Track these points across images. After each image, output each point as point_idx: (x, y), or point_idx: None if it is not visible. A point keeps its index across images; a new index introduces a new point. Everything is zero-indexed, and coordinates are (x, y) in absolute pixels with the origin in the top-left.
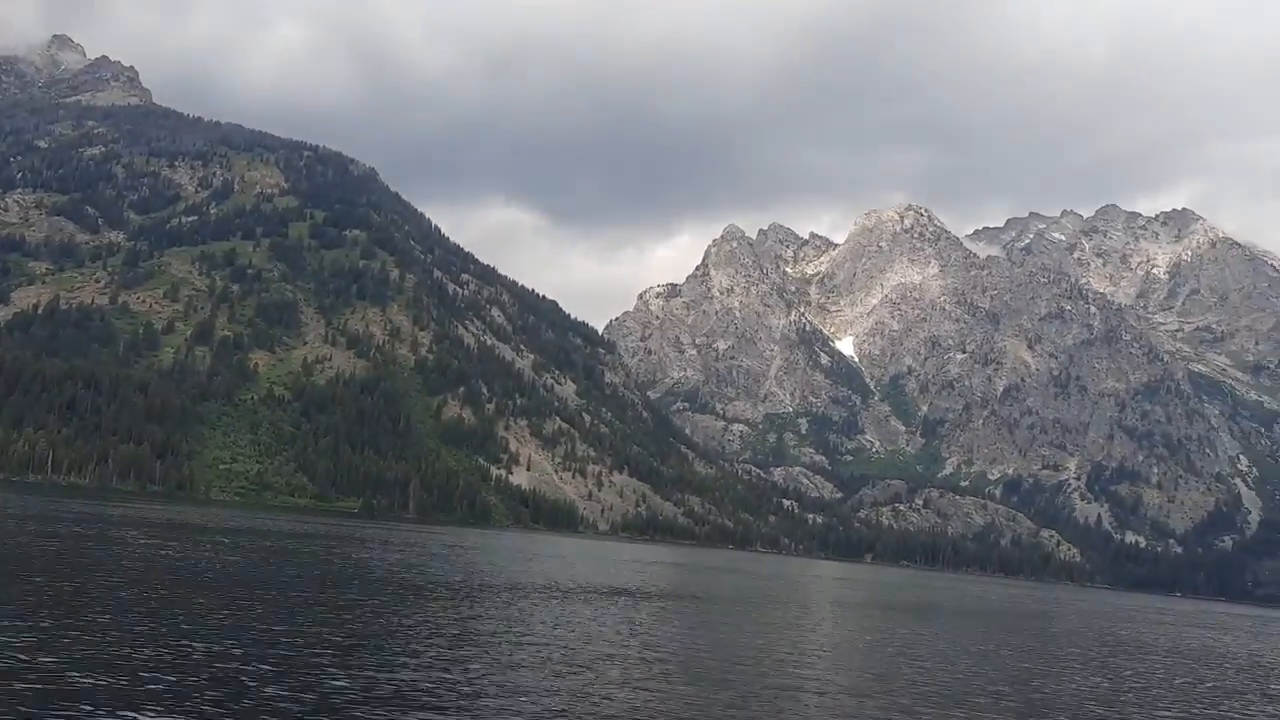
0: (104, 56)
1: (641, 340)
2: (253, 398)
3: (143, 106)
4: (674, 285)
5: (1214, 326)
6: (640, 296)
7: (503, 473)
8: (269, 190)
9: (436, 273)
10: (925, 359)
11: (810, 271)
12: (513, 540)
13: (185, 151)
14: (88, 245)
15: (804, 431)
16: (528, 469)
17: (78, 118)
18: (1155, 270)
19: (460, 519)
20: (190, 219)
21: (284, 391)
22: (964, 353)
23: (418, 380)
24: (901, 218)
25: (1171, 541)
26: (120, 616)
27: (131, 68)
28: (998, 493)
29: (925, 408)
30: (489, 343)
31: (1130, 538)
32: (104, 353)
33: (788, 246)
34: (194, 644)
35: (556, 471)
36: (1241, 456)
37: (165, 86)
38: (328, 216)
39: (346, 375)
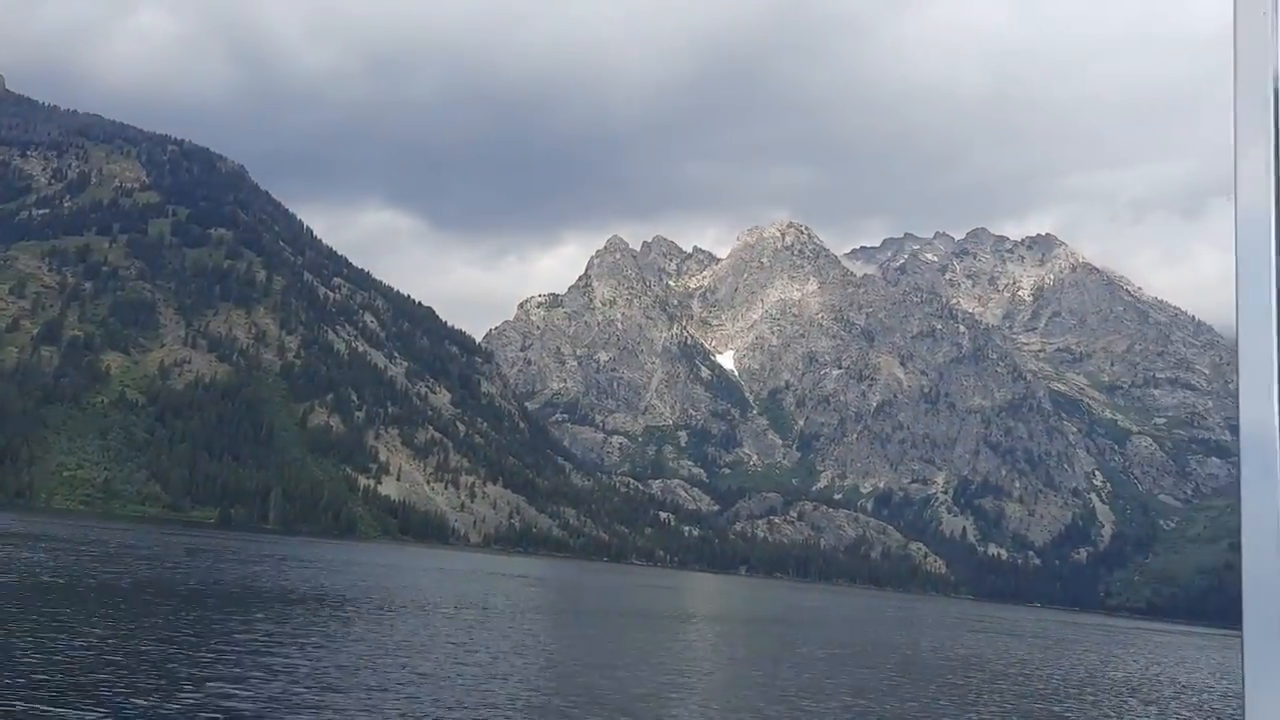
0: None
1: (522, 350)
2: (103, 401)
3: None
4: (555, 295)
5: (1073, 347)
6: (521, 306)
7: (371, 483)
8: (129, 185)
9: (307, 276)
10: (803, 374)
11: (693, 285)
12: (330, 553)
13: (39, 141)
14: None
15: (683, 444)
16: (398, 479)
17: None
18: (1020, 292)
19: (324, 530)
20: (41, 212)
21: (138, 395)
22: (840, 368)
23: (284, 386)
24: (782, 235)
25: (1031, 553)
26: None
27: None
28: (870, 505)
29: (802, 422)
30: (360, 349)
31: (993, 550)
32: None
33: (671, 260)
34: None
35: (428, 482)
36: (1096, 472)
37: (20, 73)
38: (192, 214)
39: (207, 380)
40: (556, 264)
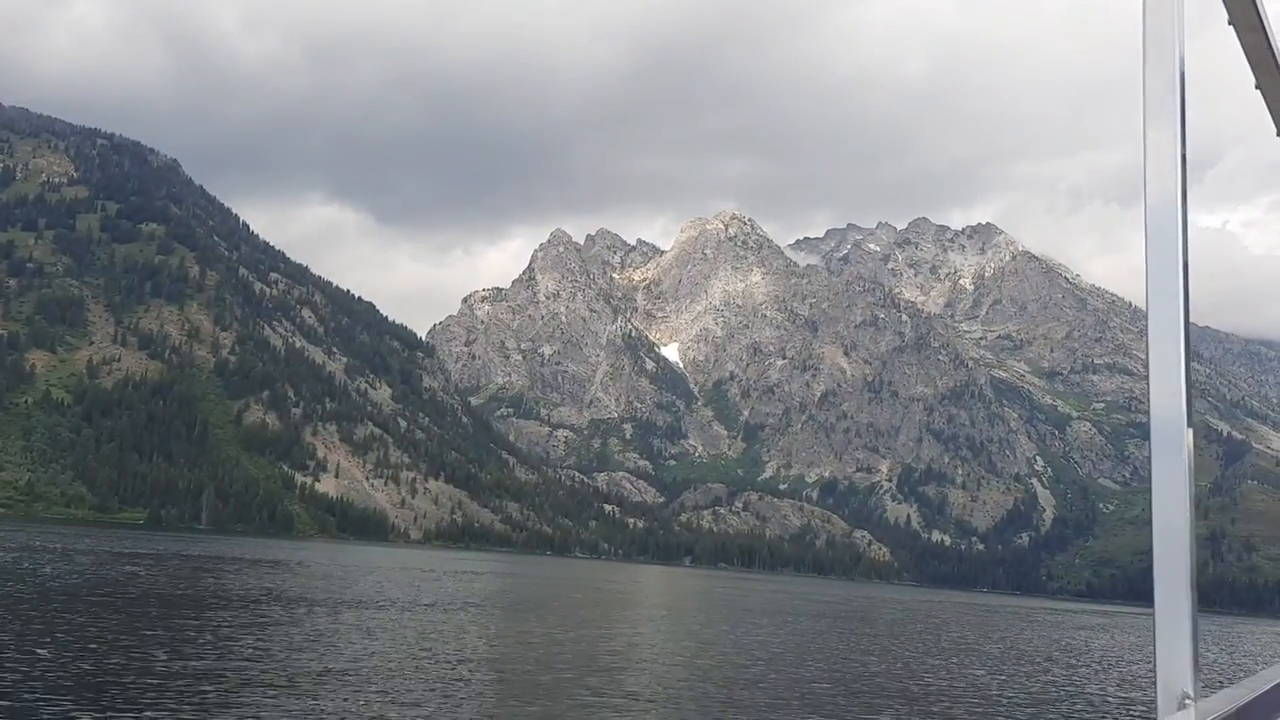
0: None
1: (466, 345)
2: (27, 401)
3: None
4: (499, 289)
5: (1014, 335)
6: (465, 300)
7: (309, 480)
8: (56, 179)
9: (242, 271)
10: (747, 365)
11: (637, 278)
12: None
13: None
14: None
15: (629, 437)
16: (336, 476)
17: None
18: (962, 281)
19: (259, 529)
20: None
21: (64, 394)
22: (784, 359)
23: (217, 383)
24: (726, 227)
25: (974, 539)
26: None
27: None
28: (815, 495)
29: (747, 412)
30: (298, 345)
31: (937, 536)
32: None
33: (615, 252)
34: None
35: (368, 478)
36: (1037, 458)
37: None
38: (121, 209)
39: (137, 377)
40: (503, 258)
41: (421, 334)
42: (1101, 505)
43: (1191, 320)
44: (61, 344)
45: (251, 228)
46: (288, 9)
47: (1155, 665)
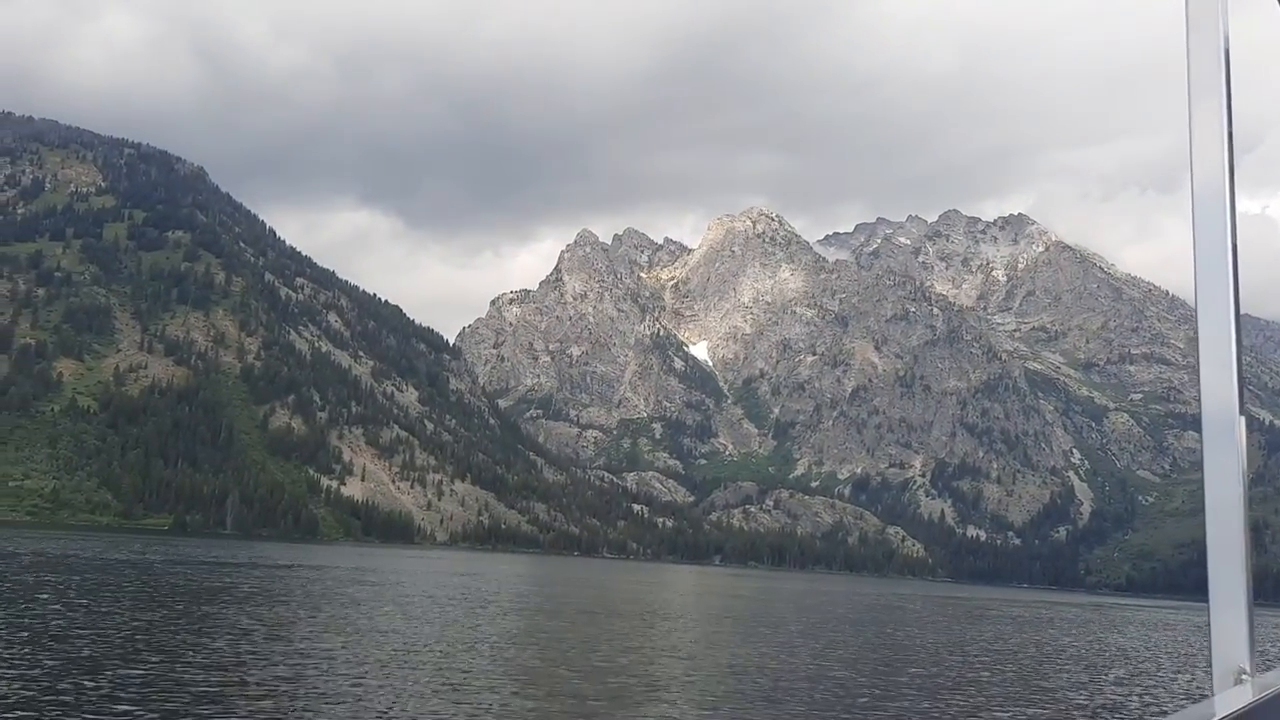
0: None
1: (495, 347)
2: (54, 409)
3: None
4: (527, 291)
5: (1048, 326)
6: (493, 303)
7: (334, 484)
8: (85, 189)
9: (268, 276)
10: (777, 362)
11: (665, 277)
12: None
13: None
14: None
15: (658, 436)
16: (362, 479)
17: None
18: (994, 273)
19: (284, 534)
20: None
21: (90, 402)
22: (814, 355)
23: (243, 389)
24: (754, 223)
25: (1010, 534)
26: None
27: None
28: (847, 491)
29: (777, 410)
30: (324, 349)
31: (972, 532)
32: None
33: (642, 251)
34: None
35: (394, 481)
36: (1074, 450)
37: None
38: (148, 217)
39: (163, 384)
40: (533, 259)
41: (451, 337)
42: (1141, 497)
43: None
44: (89, 352)
45: (278, 233)
46: (315, 18)
47: (1210, 642)
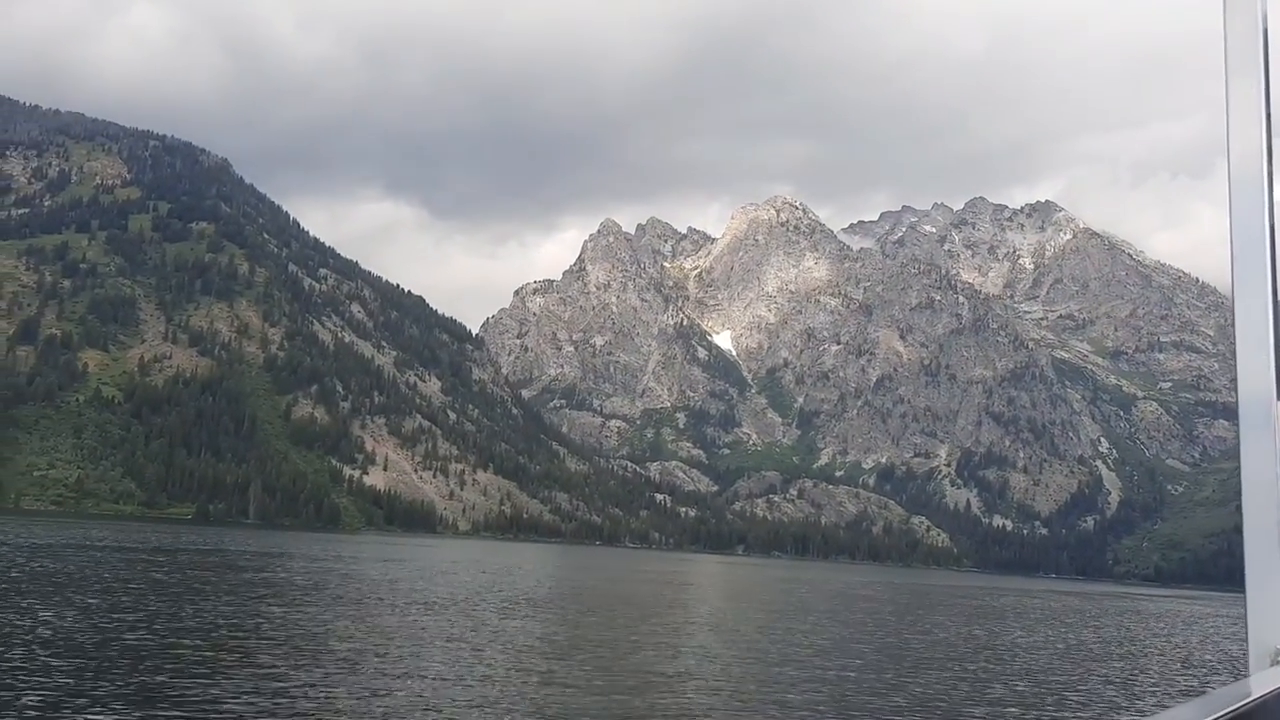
0: None
1: (518, 337)
2: (79, 399)
3: None
4: (550, 281)
5: (1076, 314)
6: (517, 293)
7: (357, 473)
8: (110, 181)
9: (291, 267)
10: (801, 351)
11: (688, 266)
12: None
13: (18, 141)
14: None
15: (682, 426)
16: (384, 469)
17: None
18: (1021, 261)
19: (306, 523)
20: (21, 211)
21: (114, 392)
22: (839, 344)
23: (266, 379)
24: (778, 212)
25: (1037, 523)
26: None
27: None
28: (872, 481)
29: (801, 399)
30: (347, 339)
31: (998, 521)
32: None
33: (666, 241)
34: None
35: (416, 471)
36: (1102, 439)
37: (7, 75)
38: (173, 208)
39: (187, 374)
40: (558, 249)
41: (475, 328)
42: (1170, 487)
43: None
44: (114, 343)
45: (302, 224)
46: (340, 11)
47: (1247, 623)
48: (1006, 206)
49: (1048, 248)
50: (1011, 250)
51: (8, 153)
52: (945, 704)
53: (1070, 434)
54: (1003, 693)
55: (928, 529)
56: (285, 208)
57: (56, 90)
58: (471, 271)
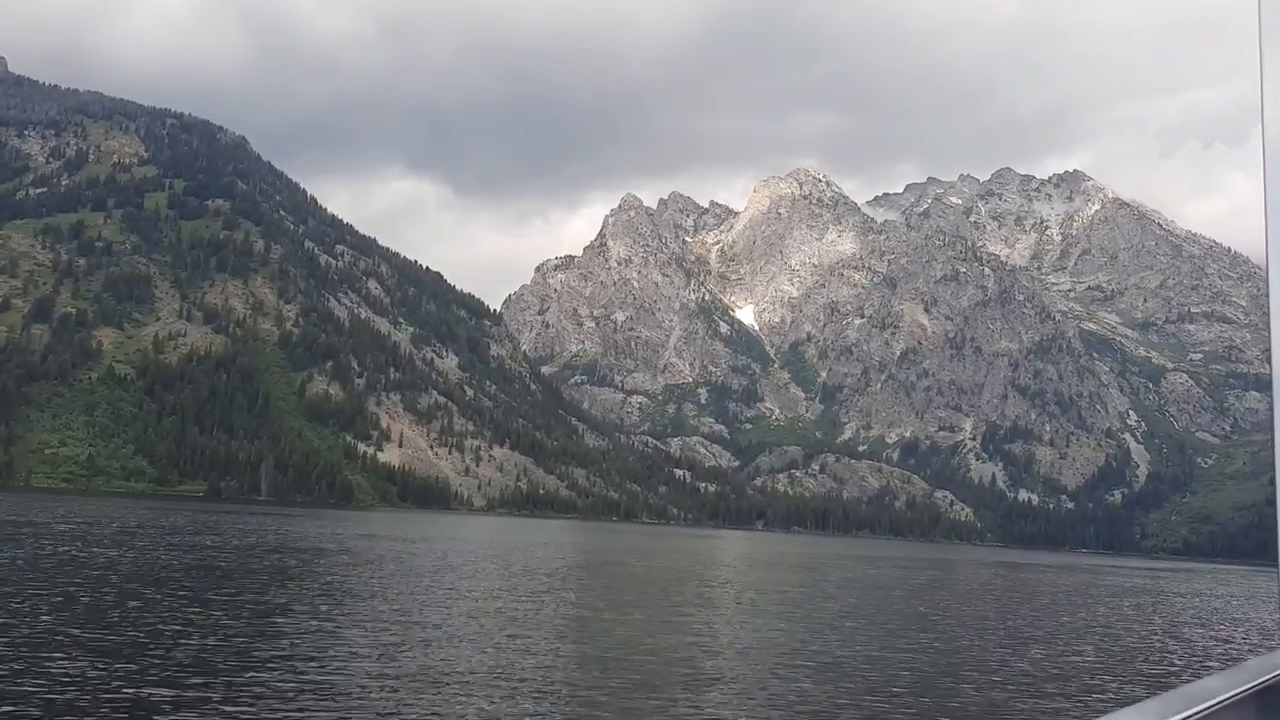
0: None
1: (540, 314)
2: (91, 377)
3: None
4: (571, 257)
5: (1104, 285)
6: (538, 269)
7: (371, 450)
8: (127, 160)
9: (307, 244)
10: (824, 325)
11: (710, 241)
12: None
13: (37, 120)
14: None
15: (704, 401)
16: (400, 445)
17: None
18: (1049, 232)
19: (318, 500)
20: (39, 191)
21: (127, 370)
22: (862, 318)
23: (281, 356)
24: (801, 185)
25: (1063, 498)
26: None
27: None
28: (895, 455)
29: (824, 374)
30: (363, 316)
31: (1024, 495)
32: None
33: (688, 216)
34: None
35: (431, 447)
36: (1130, 412)
37: (28, 55)
38: (189, 186)
39: (201, 352)
40: (583, 225)
41: (498, 305)
42: (1200, 460)
43: None
44: (129, 320)
45: (321, 203)
46: None
47: (1279, 596)
48: (1034, 177)
49: (1076, 218)
50: (1039, 221)
51: (26, 132)
52: (976, 675)
53: (1098, 406)
54: (1028, 668)
55: (951, 503)
56: (308, 188)
57: (79, 70)
58: (496, 249)
